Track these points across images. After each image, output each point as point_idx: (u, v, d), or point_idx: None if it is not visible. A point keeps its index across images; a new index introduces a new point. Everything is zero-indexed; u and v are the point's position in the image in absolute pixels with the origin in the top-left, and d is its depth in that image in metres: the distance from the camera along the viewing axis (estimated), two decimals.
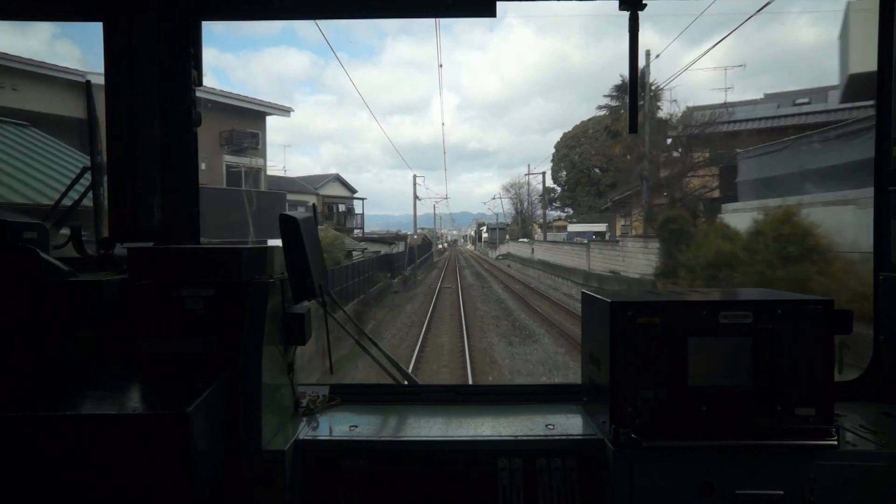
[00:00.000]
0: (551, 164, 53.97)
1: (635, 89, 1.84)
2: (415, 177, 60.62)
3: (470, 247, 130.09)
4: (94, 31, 1.78)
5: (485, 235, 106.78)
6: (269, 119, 26.22)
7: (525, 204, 69.32)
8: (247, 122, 24.59)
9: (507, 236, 71.83)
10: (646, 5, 1.74)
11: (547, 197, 55.31)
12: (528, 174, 56.73)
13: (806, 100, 20.67)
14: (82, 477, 1.18)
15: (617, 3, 1.75)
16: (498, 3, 1.78)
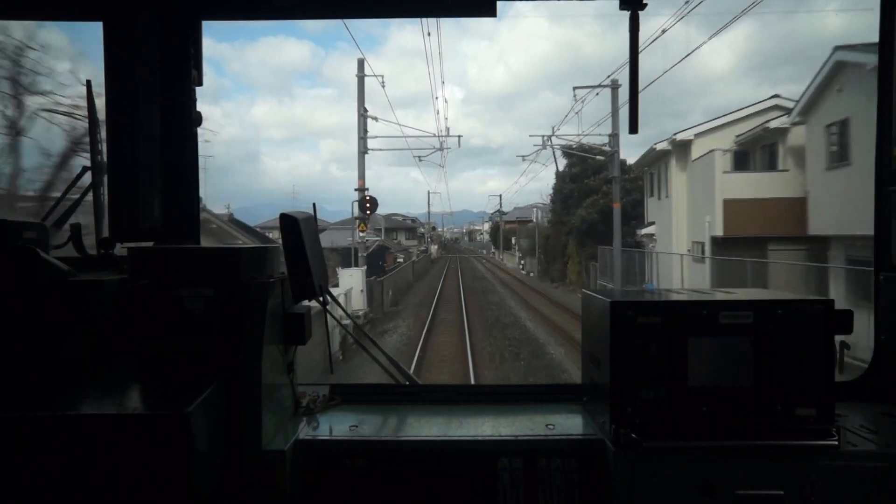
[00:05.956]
0: None
1: (636, 89, 1.84)
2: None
3: (506, 261, 62.52)
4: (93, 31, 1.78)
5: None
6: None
7: None
8: None
9: None
10: (646, 5, 1.73)
11: None
12: None
13: None
14: (82, 477, 1.18)
15: (617, 2, 1.75)
16: (498, 3, 1.78)
